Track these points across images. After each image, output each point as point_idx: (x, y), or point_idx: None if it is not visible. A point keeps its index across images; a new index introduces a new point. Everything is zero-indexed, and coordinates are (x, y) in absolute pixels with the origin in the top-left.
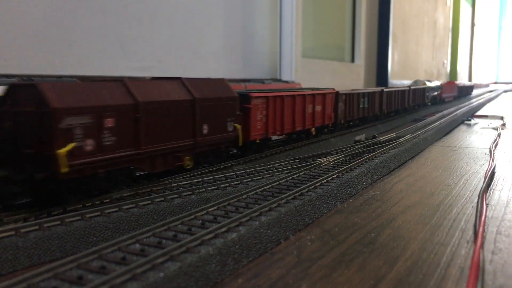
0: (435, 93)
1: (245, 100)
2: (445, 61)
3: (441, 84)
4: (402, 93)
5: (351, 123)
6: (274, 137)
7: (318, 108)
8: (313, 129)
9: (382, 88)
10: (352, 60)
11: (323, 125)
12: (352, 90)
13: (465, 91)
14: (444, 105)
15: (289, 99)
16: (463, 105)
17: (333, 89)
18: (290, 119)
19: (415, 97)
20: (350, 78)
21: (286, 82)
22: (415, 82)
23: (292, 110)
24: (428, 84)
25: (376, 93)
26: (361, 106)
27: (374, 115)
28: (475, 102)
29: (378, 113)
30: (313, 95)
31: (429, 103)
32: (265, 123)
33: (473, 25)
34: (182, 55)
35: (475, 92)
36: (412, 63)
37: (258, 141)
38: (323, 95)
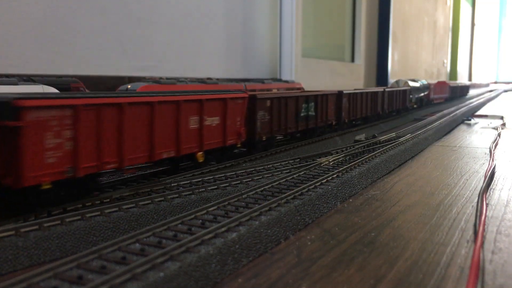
0: (422, 95)
1: (8, 112)
2: (445, 61)
3: (429, 84)
4: (373, 96)
5: (289, 138)
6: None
7: (213, 121)
8: (200, 153)
9: (342, 90)
10: (352, 60)
11: (224, 146)
12: (295, 92)
13: (459, 92)
14: (429, 109)
15: (138, 109)
16: (454, 107)
17: (245, 92)
18: (140, 141)
19: (393, 100)
20: (350, 77)
21: (286, 81)
22: (396, 83)
23: (147, 127)
24: (412, 84)
25: (329, 96)
26: (302, 114)
27: (327, 125)
28: (468, 104)
29: (333, 122)
30: (200, 101)
31: (415, 106)
32: (71, 151)
33: (473, 25)
34: (182, 55)
35: (472, 92)
36: (412, 62)
37: (48, 186)
38: (222, 101)
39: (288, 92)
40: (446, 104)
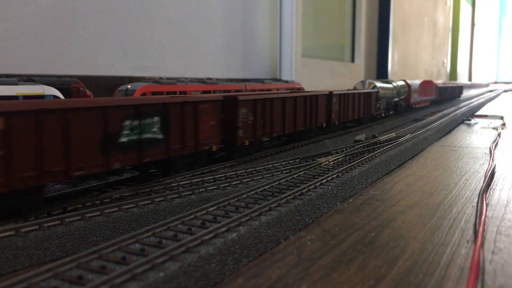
0: (397, 99)
1: None
2: (445, 61)
3: (409, 85)
4: (311, 102)
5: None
6: None
7: None
8: None
9: (236, 95)
10: (352, 60)
11: None
12: (98, 100)
13: (450, 93)
14: (399, 120)
15: None
16: (453, 108)
17: None
18: None
19: (348, 108)
20: (350, 77)
21: (286, 81)
22: (362, 84)
23: None
24: (381, 85)
25: (199, 106)
26: (123, 140)
27: (198, 153)
28: (464, 105)
29: (213, 147)
30: None
31: (391, 112)
32: None
33: (473, 25)
34: (182, 55)
35: (471, 93)
36: (412, 62)
37: None
38: None
39: (76, 101)
40: (429, 108)
